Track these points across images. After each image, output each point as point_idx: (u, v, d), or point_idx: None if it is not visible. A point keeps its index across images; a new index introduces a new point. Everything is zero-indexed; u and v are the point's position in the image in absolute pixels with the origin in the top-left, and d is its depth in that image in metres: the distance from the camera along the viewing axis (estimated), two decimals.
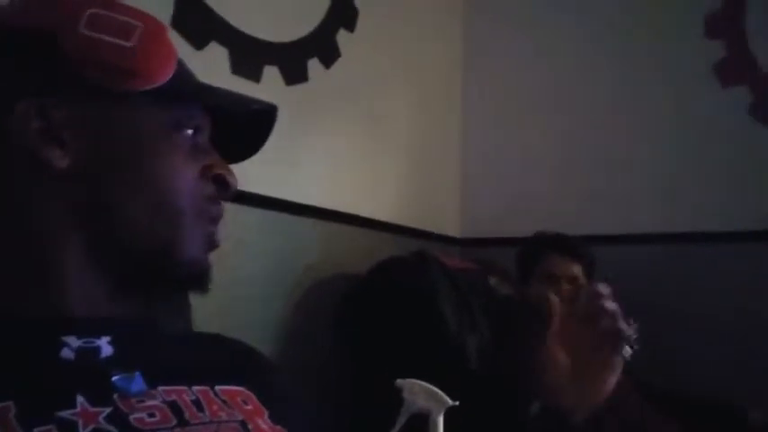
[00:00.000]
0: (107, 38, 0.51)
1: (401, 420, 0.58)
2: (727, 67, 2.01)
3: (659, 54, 2.09)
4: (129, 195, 0.53)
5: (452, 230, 2.31)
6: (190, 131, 0.56)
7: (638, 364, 0.68)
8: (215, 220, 0.58)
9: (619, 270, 1.94)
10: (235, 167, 0.60)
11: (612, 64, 2.15)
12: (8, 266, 0.52)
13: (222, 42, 1.50)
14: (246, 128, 0.62)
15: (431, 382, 0.60)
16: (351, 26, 1.91)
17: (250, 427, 0.54)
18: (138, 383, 0.50)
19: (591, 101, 2.18)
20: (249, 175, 1.54)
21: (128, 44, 0.52)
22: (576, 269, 1.76)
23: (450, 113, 2.36)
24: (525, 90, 2.30)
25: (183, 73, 0.57)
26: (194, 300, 1.29)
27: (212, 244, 0.58)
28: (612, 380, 0.66)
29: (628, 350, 0.65)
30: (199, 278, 0.57)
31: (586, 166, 2.17)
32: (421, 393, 0.59)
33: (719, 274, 1.90)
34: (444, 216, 2.31)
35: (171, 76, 0.53)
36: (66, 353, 0.49)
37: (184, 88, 0.56)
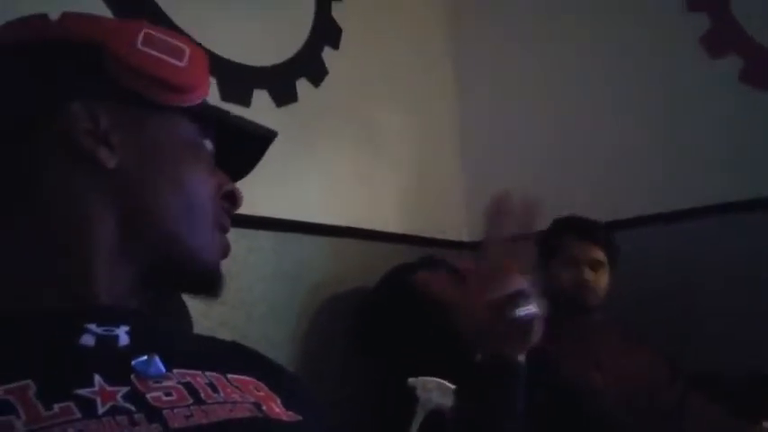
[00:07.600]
0: (163, 56, 0.58)
1: (418, 417, 0.58)
2: (713, 38, 2.00)
3: (645, 32, 2.08)
4: (166, 198, 0.58)
5: (460, 235, 2.30)
6: (211, 147, 0.62)
7: (673, 349, 0.68)
8: (227, 231, 0.64)
9: (628, 255, 1.93)
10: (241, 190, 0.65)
11: (599, 49, 2.15)
12: (37, 252, 0.54)
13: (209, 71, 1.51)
14: (242, 149, 0.67)
15: (451, 381, 0.60)
16: (335, 43, 1.92)
17: (264, 408, 0.55)
18: (157, 366, 0.52)
19: (583, 89, 2.18)
20: (252, 197, 1.55)
21: (180, 64, 0.58)
22: (598, 253, 1.69)
23: (444, 116, 2.36)
24: (518, 84, 2.30)
25: None
26: (209, 323, 1.28)
27: (225, 252, 0.63)
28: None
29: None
30: (216, 281, 0.61)
31: (583, 153, 2.15)
32: (435, 390, 0.59)
33: (723, 248, 1.87)
34: (451, 221, 2.30)
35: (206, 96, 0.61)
36: (87, 339, 0.51)
37: (211, 108, 0.63)
